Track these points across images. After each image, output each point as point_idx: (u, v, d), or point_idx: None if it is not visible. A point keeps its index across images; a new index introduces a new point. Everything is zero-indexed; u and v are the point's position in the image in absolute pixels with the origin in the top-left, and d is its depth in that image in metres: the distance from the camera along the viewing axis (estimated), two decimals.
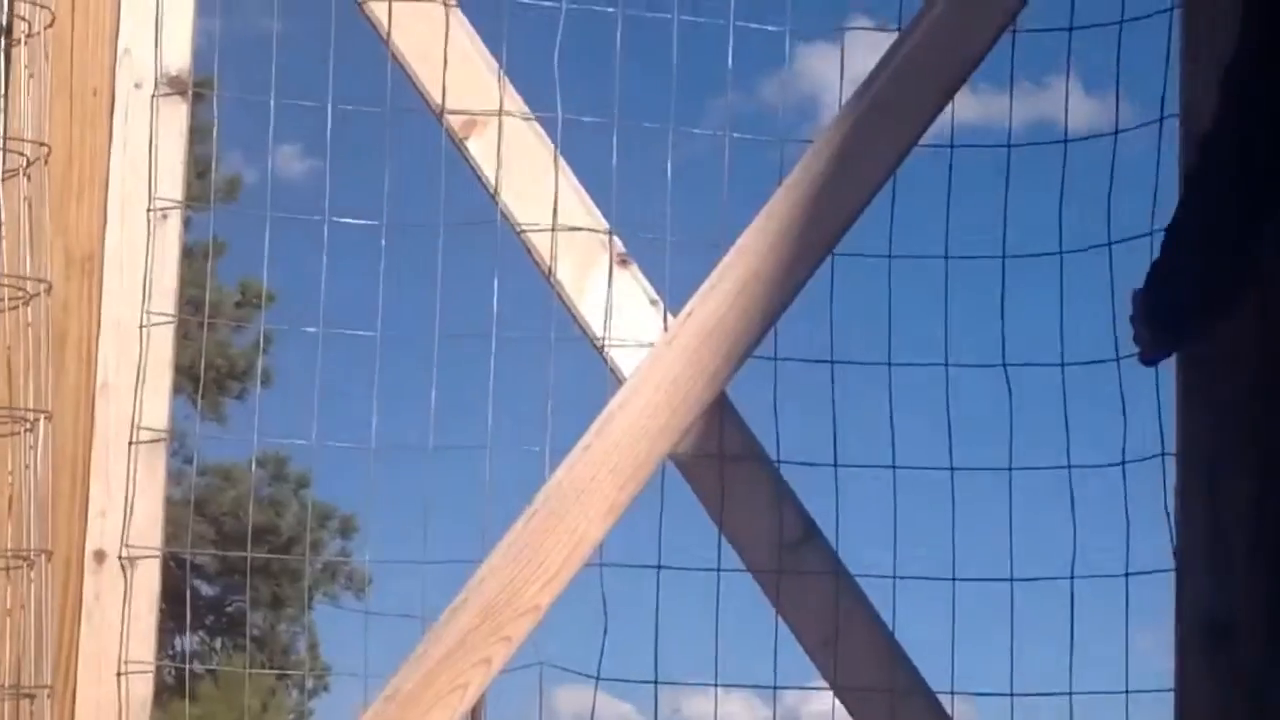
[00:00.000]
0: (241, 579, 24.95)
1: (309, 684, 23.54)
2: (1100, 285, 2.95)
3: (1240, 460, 2.73)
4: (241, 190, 21.08)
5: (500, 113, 3.00)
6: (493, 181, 3.00)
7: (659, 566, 3.02)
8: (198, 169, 3.13)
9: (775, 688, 3.03)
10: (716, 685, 3.04)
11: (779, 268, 2.93)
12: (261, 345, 23.04)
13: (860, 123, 2.96)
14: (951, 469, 3.26)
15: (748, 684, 3.11)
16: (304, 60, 3.12)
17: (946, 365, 3.12)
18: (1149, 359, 2.72)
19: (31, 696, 2.82)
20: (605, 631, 2.98)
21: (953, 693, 3.05)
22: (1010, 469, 3.05)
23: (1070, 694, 2.90)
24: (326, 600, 26.52)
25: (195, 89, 3.02)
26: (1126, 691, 2.87)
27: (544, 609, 2.90)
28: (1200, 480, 2.78)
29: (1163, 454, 2.86)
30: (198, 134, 3.17)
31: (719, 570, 3.01)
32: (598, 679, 3.02)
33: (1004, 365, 3.03)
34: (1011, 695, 2.94)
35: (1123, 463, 2.90)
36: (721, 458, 2.96)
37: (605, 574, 2.98)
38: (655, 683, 3.23)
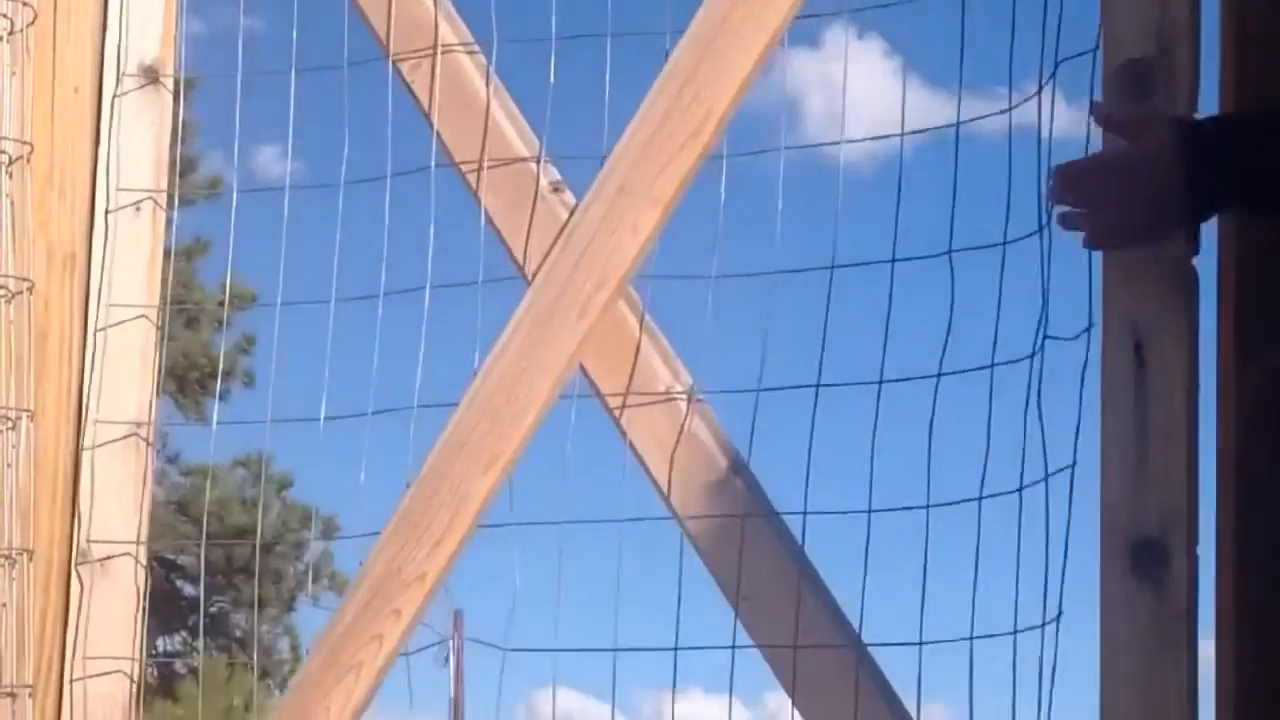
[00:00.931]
0: (224, 579, 24.90)
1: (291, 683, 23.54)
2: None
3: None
4: (223, 188, 21.04)
5: (435, 47, 2.87)
6: (430, 120, 2.87)
7: (564, 522, 2.75)
8: (179, 169, 3.11)
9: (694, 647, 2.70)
10: (616, 651, 2.78)
11: (648, 178, 2.71)
12: (225, 349, 23.01)
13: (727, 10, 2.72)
14: (880, 381, 2.85)
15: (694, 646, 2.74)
16: (286, 58, 3.09)
17: (893, 261, 2.67)
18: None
19: (13, 696, 2.81)
20: (515, 598, 2.79)
21: (860, 643, 2.68)
22: (939, 375, 2.63)
23: (971, 639, 2.53)
24: (309, 600, 26.52)
25: (178, 85, 3.01)
26: (1014, 632, 2.47)
27: (431, 577, 2.74)
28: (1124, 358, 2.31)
29: (1089, 327, 2.36)
30: (181, 133, 3.16)
31: (622, 521, 2.74)
32: (505, 651, 2.83)
33: (949, 253, 2.63)
34: (920, 644, 2.59)
35: (1032, 354, 2.46)
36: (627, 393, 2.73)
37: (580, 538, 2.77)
38: (556, 650, 2.94)
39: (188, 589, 25.92)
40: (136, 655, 2.92)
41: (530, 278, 2.78)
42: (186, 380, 24.97)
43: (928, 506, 2.63)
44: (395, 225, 2.99)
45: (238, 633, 25.98)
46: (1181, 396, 2.26)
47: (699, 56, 2.72)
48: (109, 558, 2.90)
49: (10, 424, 2.86)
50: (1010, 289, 2.64)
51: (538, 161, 2.83)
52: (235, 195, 3.09)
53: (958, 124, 2.71)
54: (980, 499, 2.56)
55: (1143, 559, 2.24)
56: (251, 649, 25.72)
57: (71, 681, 2.89)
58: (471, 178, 2.85)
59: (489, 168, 2.83)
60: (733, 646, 2.70)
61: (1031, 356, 2.47)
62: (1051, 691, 2.39)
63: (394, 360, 2.95)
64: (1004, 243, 2.58)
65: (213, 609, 26.22)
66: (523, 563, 2.89)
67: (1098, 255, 2.31)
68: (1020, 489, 2.49)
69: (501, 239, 2.82)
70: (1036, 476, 2.46)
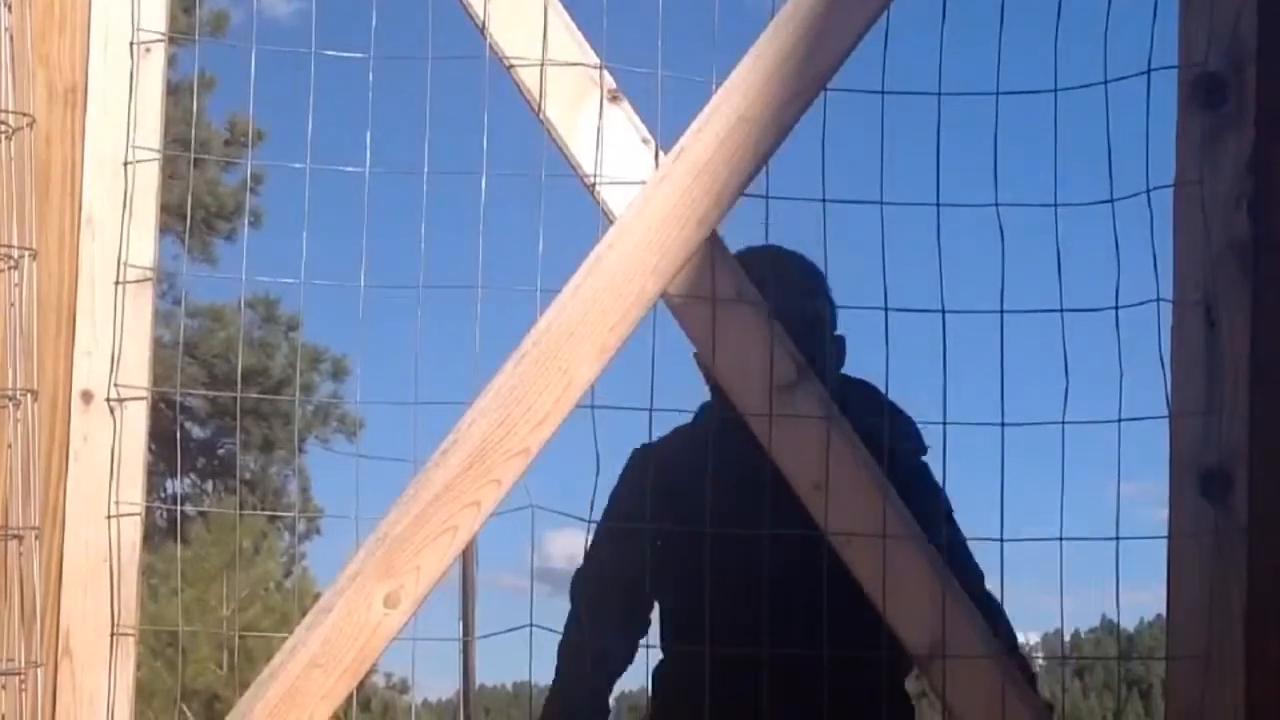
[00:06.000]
0: (233, 421, 25.01)
1: (300, 526, 23.69)
2: (1097, 128, 2.88)
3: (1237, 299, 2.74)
4: (229, 26, 20.81)
5: None
6: (480, 14, 2.93)
7: (650, 409, 2.94)
8: (183, 3, 3.05)
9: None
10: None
11: (768, 108, 2.87)
12: (247, 184, 22.97)
13: None
14: (943, 311, 3.14)
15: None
16: None
17: (938, 205, 3.01)
18: None
19: (20, 537, 2.80)
20: (598, 474, 2.94)
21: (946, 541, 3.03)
22: (1001, 311, 2.95)
23: (1060, 539, 2.85)
24: (318, 443, 26.62)
25: None
26: (1117, 539, 2.81)
27: (534, 451, 2.85)
28: (1195, 321, 2.77)
29: (1158, 299, 2.80)
30: None
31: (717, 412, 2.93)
32: (589, 522, 2.99)
33: (995, 206, 2.92)
34: (1001, 540, 2.88)
35: (1116, 307, 2.83)
36: (714, 299, 2.89)
37: (597, 417, 2.93)
38: (642, 527, 3.19)
39: (196, 431, 26.02)
40: (147, 499, 2.92)
41: (591, 183, 2.89)
42: (193, 220, 24.90)
43: (1001, 425, 2.88)
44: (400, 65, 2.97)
45: (246, 475, 26.10)
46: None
47: (819, 11, 2.87)
48: (114, 399, 2.88)
49: (13, 263, 2.82)
50: None
51: (600, 69, 2.91)
52: (255, 46, 3.04)
53: None
54: (1063, 422, 2.86)
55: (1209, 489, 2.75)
56: (260, 491, 25.84)
57: (104, 518, 2.87)
58: (523, 75, 2.90)
59: (545, 66, 2.90)
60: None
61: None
62: None
63: (394, 194, 2.96)
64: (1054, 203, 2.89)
65: (221, 450, 26.34)
66: None
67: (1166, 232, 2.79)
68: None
69: (561, 145, 2.90)
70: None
